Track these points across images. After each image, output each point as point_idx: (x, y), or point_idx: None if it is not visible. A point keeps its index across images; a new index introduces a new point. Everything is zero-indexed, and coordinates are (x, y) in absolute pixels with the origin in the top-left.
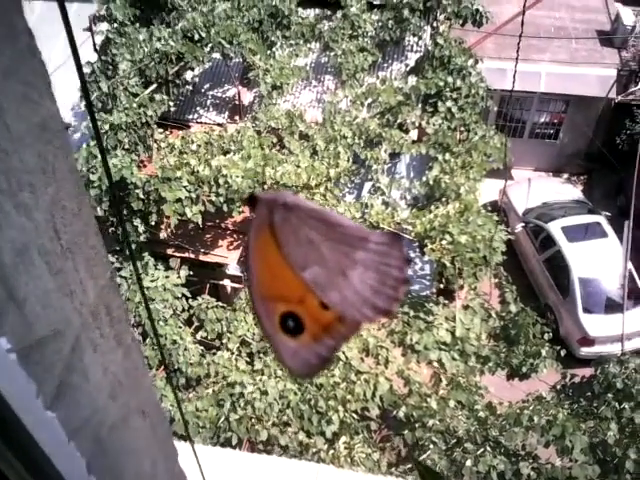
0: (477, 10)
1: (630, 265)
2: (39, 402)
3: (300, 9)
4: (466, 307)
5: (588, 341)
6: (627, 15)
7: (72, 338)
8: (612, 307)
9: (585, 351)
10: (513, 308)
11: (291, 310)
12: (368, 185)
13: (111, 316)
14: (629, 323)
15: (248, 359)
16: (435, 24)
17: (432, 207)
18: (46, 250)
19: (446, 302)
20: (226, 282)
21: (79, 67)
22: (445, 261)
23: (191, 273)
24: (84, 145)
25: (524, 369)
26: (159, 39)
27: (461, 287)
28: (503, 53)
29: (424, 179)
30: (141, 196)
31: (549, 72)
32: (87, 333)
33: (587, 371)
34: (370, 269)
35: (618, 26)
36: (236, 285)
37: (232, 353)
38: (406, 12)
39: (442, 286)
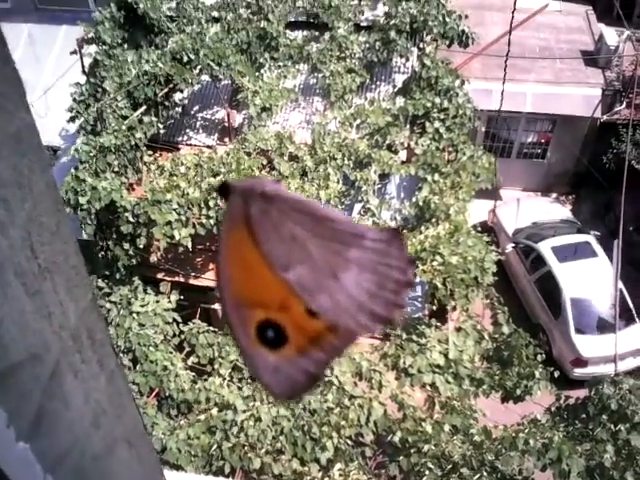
0: (463, 31)
1: (621, 284)
2: (11, 432)
3: (288, 31)
4: (459, 329)
5: (581, 362)
6: (610, 35)
7: (51, 363)
8: (604, 327)
9: (579, 372)
10: (505, 329)
11: (271, 318)
12: (358, 206)
13: (93, 340)
14: (622, 343)
15: (240, 385)
16: (422, 45)
17: (422, 228)
18: (22, 270)
19: (439, 324)
20: (217, 306)
21: None
22: (437, 282)
23: (182, 297)
24: (72, 169)
25: (518, 391)
26: (148, 61)
27: (453, 308)
28: (489, 73)
29: (414, 200)
30: (130, 219)
31: (535, 92)
32: (67, 358)
33: (581, 392)
34: (366, 270)
35: (602, 46)
36: None
37: (224, 379)
38: (393, 34)
39: (434, 308)
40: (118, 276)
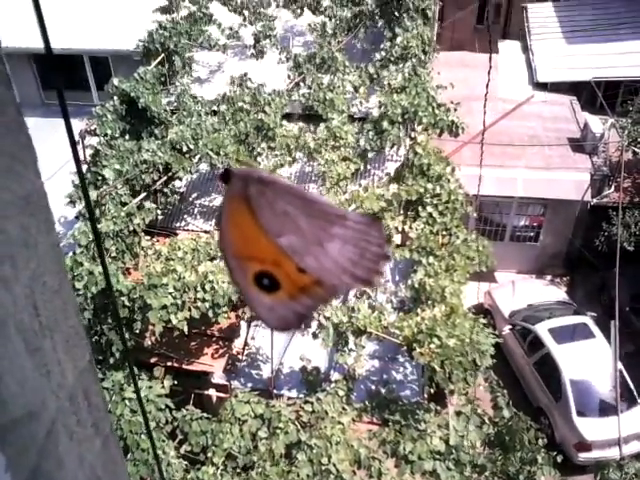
0: (453, 121)
1: (620, 365)
2: (7, 478)
3: (285, 122)
4: (459, 413)
5: (585, 446)
6: (595, 123)
7: (48, 422)
8: (606, 409)
9: (583, 457)
10: (506, 413)
11: (265, 270)
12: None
13: (89, 402)
14: (625, 426)
15: (234, 474)
16: (413, 134)
17: (419, 310)
18: (24, 326)
19: (438, 408)
20: (211, 392)
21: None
22: (434, 365)
23: (175, 382)
24: (70, 254)
25: (521, 477)
26: (148, 150)
27: (452, 392)
28: (480, 160)
29: (409, 282)
30: (127, 303)
31: (526, 178)
32: (64, 418)
33: (586, 478)
34: (348, 243)
35: (587, 134)
36: (221, 395)
37: (217, 468)
38: (385, 124)
39: (433, 391)
40: (112, 361)
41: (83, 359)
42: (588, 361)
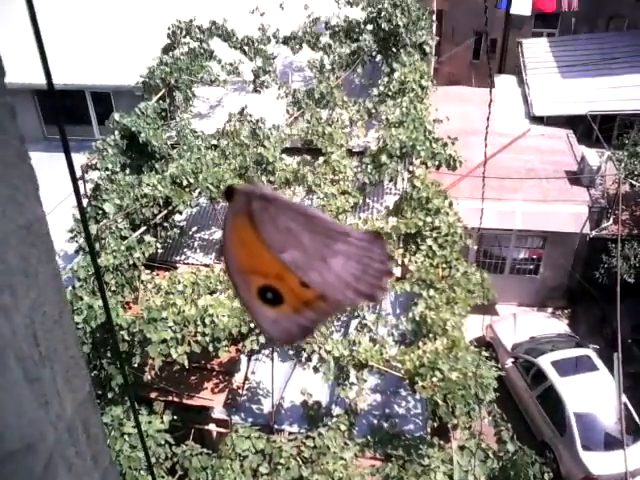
0: (450, 155)
1: (625, 398)
2: None
3: (284, 156)
4: (462, 448)
5: None
6: (592, 156)
7: (45, 454)
8: (612, 443)
9: None
10: (510, 447)
11: (269, 284)
12: (355, 322)
13: (88, 434)
14: (631, 459)
15: None
16: (411, 168)
17: (420, 343)
18: (23, 355)
19: (441, 442)
20: (211, 427)
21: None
22: (437, 399)
23: (175, 417)
24: (70, 288)
25: None
26: (148, 184)
27: (455, 426)
28: (478, 193)
29: (410, 315)
30: (126, 337)
31: (524, 210)
32: (62, 450)
33: None
34: (351, 259)
35: (584, 166)
36: (222, 430)
37: None
38: (384, 157)
39: (436, 425)
40: (111, 395)
41: (83, 390)
42: (592, 394)
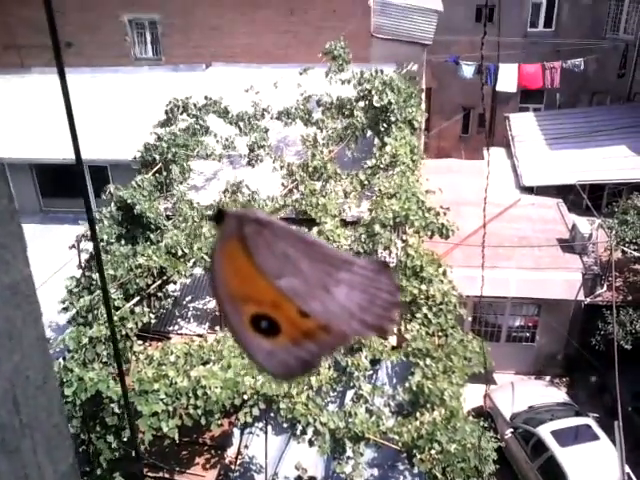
0: (443, 224)
1: (627, 468)
2: None
3: None
4: None
5: None
6: (583, 224)
7: None
8: None
9: None
10: None
11: (264, 312)
12: (350, 393)
13: None
14: None
15: None
16: (404, 237)
17: (417, 414)
18: (2, 423)
19: None
20: None
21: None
22: (436, 472)
23: None
24: (60, 360)
25: None
26: (143, 255)
27: None
28: (471, 261)
29: (407, 385)
30: (116, 410)
31: (518, 278)
32: None
33: None
34: (356, 289)
35: (576, 234)
36: None
37: None
38: (377, 227)
39: None
40: (99, 472)
41: (65, 462)
42: (594, 465)
